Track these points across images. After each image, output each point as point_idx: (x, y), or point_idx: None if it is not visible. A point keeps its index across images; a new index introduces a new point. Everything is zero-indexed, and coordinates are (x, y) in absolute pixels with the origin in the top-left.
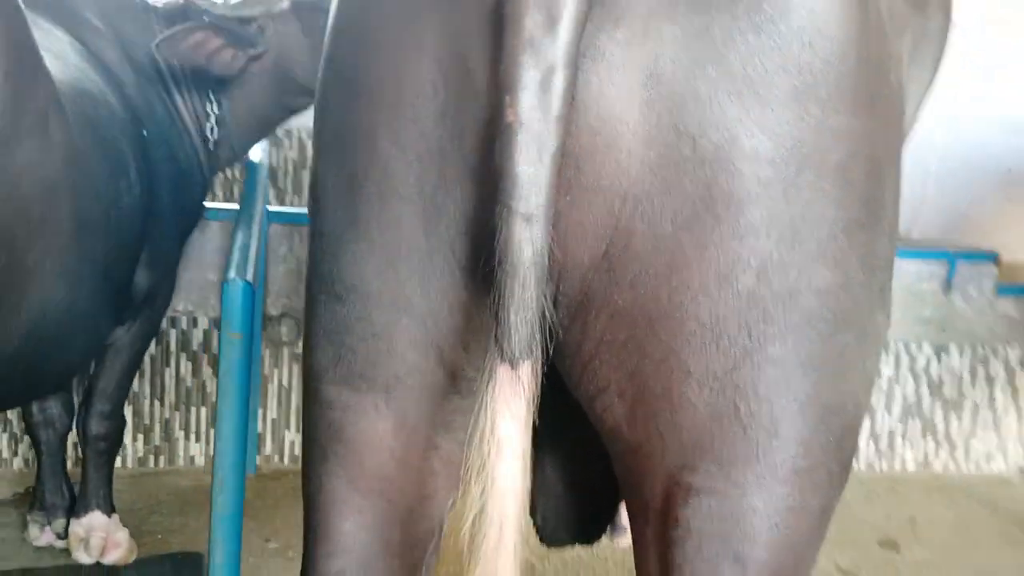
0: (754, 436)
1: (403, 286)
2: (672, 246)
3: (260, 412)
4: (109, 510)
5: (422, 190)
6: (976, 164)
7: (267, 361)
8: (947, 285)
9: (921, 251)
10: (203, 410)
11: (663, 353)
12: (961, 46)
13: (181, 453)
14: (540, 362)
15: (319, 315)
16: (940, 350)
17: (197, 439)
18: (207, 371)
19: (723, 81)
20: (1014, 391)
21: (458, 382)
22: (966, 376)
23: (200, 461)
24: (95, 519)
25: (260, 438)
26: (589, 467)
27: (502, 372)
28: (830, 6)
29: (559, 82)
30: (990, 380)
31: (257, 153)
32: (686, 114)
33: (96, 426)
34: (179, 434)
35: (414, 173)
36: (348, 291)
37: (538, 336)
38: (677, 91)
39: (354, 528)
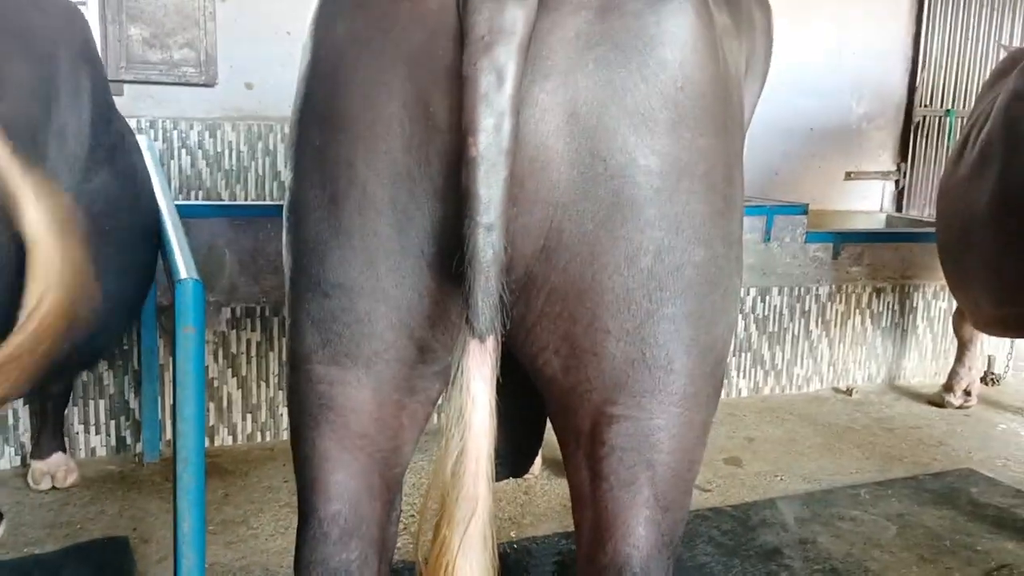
0: (656, 374)
1: (381, 281)
2: (593, 239)
3: (159, 400)
4: (64, 449)
5: (395, 205)
6: (784, 126)
7: (163, 351)
8: (767, 235)
9: (744, 207)
10: (101, 403)
11: (589, 318)
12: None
13: (82, 446)
14: (500, 335)
15: (307, 308)
16: (763, 292)
17: (97, 431)
18: (103, 365)
19: (624, 117)
20: (825, 323)
21: (424, 354)
22: (785, 312)
23: (101, 452)
24: (58, 458)
25: (161, 425)
26: (520, 417)
27: (472, 345)
28: (693, 59)
29: (507, 125)
30: (805, 314)
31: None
32: (598, 142)
33: (55, 385)
34: (79, 428)
35: (388, 192)
36: (334, 288)
37: (499, 316)
38: (591, 126)
39: (344, 478)
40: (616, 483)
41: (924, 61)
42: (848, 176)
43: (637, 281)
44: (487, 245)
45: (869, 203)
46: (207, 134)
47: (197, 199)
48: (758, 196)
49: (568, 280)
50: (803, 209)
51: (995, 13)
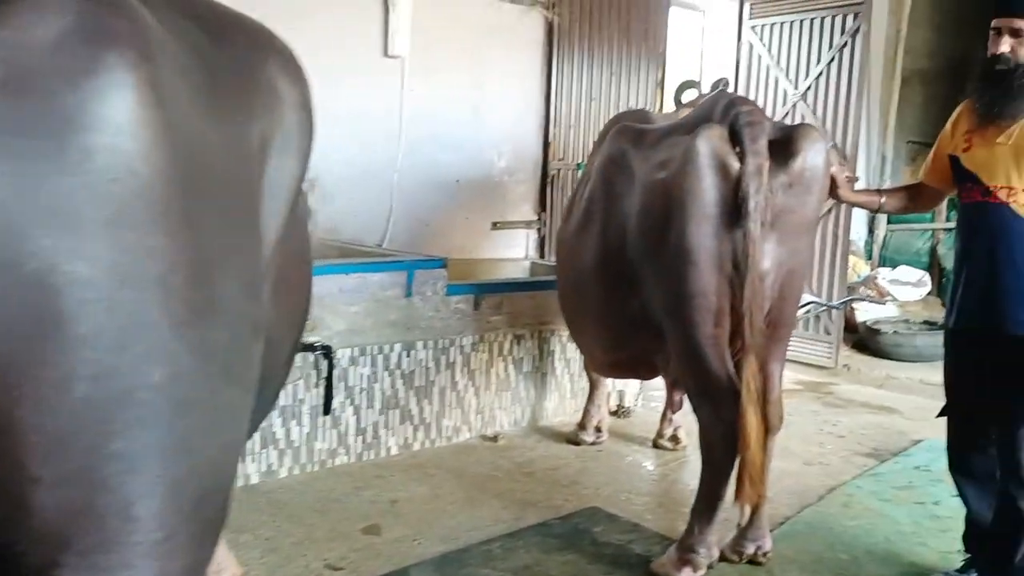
0: (111, 524)
1: None
2: (9, 363)
3: None
4: None
5: None
6: (432, 179)
7: None
8: (408, 290)
9: (384, 263)
10: None
11: (12, 464)
12: (411, 85)
13: None
14: None
15: None
16: (408, 347)
17: None
18: None
19: (36, 216)
20: (470, 372)
21: None
22: (432, 365)
23: None
24: None
25: None
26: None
27: None
28: (133, 147)
29: None
30: (451, 366)
31: None
32: (5, 248)
33: None
34: None
35: None
36: None
37: None
38: None
39: None
40: None
41: (556, 119)
42: (495, 226)
43: (71, 414)
44: None
45: (515, 251)
46: None
47: None
48: (405, 250)
49: None
50: (442, 263)
51: (614, 77)
